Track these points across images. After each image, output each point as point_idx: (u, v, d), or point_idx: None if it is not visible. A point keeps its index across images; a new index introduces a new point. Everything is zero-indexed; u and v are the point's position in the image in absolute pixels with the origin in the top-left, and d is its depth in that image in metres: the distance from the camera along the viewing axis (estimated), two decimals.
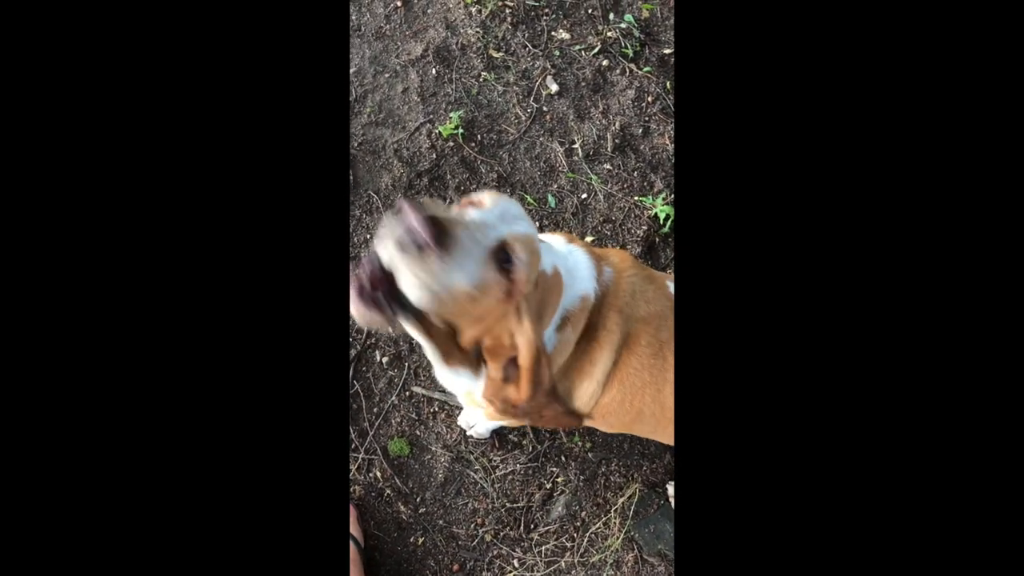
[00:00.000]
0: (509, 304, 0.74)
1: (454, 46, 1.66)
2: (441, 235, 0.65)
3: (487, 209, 0.75)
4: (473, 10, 1.69)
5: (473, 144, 1.58)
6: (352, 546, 1.23)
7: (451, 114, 1.58)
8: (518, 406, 0.80)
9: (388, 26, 1.65)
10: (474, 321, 0.75)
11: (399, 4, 1.67)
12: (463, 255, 0.67)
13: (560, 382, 0.91)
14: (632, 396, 0.94)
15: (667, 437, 1.05)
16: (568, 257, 0.89)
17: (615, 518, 1.37)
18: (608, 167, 1.62)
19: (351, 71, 1.59)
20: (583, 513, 1.37)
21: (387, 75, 1.61)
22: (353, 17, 1.64)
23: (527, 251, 0.73)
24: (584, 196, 1.59)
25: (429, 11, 1.68)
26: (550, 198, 1.57)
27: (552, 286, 0.83)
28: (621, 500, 1.38)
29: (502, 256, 0.72)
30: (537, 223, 1.56)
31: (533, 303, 0.77)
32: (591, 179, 1.60)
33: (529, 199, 1.56)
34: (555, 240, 0.94)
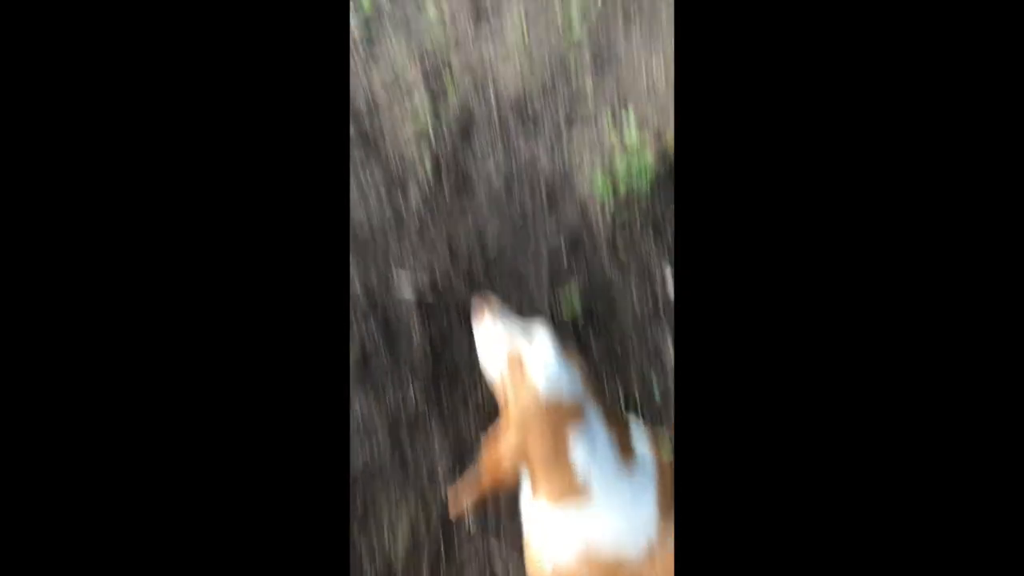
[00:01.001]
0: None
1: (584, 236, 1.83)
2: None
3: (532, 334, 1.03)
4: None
5: (588, 328, 1.69)
6: None
7: (571, 296, 1.72)
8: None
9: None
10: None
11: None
12: (486, 339, 1.04)
13: None
14: None
15: None
16: None
17: None
18: None
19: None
20: None
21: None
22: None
23: (509, 373, 0.97)
24: None
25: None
26: (655, 391, 1.61)
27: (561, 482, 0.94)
28: None
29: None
30: (642, 413, 1.60)
31: (529, 454, 0.93)
32: None
33: (636, 392, 1.62)
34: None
